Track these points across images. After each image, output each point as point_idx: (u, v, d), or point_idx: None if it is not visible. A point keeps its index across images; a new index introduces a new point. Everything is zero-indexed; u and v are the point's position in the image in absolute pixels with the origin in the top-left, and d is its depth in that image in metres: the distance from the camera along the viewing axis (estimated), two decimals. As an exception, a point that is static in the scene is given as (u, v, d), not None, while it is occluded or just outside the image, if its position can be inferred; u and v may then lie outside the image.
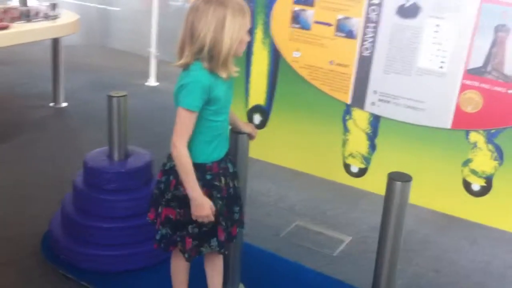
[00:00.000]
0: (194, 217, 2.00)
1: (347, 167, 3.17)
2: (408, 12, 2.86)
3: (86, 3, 10.02)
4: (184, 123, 1.93)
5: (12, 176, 3.73)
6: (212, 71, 1.93)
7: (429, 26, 2.80)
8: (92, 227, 2.68)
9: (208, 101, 1.95)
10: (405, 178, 2.01)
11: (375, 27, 2.95)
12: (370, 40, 2.98)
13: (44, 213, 3.18)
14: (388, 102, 2.98)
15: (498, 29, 2.65)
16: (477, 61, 2.70)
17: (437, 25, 2.79)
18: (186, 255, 2.13)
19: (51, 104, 5.12)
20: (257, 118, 3.20)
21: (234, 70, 1.99)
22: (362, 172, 3.11)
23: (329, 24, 3.06)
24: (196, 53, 1.91)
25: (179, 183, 2.02)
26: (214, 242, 2.12)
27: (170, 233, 2.11)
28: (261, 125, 3.16)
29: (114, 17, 9.79)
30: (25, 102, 5.16)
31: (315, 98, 3.20)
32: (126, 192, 2.72)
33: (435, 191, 2.95)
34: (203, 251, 2.16)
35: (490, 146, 2.77)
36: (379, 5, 2.90)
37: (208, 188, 2.04)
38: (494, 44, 2.66)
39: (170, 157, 2.08)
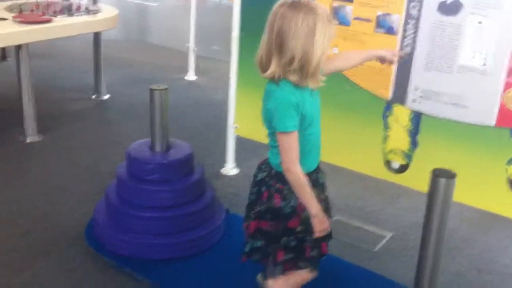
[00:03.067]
0: (317, 233, 1.96)
1: (388, 163, 3.15)
2: (449, 8, 2.82)
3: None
4: (289, 145, 1.87)
5: (54, 166, 3.82)
6: (299, 84, 1.85)
7: (471, 23, 2.77)
8: (134, 216, 2.73)
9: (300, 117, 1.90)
10: (449, 175, 1.99)
11: (416, 24, 2.93)
12: (411, 36, 2.96)
13: (85, 203, 3.26)
14: (430, 99, 2.95)
15: (544, 25, 2.60)
16: (522, 58, 2.66)
17: (479, 22, 2.75)
18: (279, 268, 2.11)
19: (93, 97, 5.21)
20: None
21: (322, 79, 1.91)
22: (403, 169, 3.09)
23: (368, 20, 3.05)
24: (286, 64, 1.82)
25: (271, 195, 1.99)
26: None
27: (265, 244, 2.07)
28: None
29: (151, 12, 9.90)
30: (67, 95, 5.27)
31: (356, 95, 3.19)
32: (167, 183, 2.76)
33: (478, 189, 2.92)
34: (301, 266, 2.10)
35: (535, 145, 2.73)
36: (420, 1, 2.87)
37: (285, 197, 2.01)
38: (539, 41, 2.61)
39: (260, 168, 2.08)
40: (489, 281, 2.88)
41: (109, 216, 2.84)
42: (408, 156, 3.04)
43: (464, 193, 2.95)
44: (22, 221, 3.13)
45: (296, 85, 1.85)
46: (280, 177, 1.98)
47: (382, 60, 2.31)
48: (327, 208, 2.08)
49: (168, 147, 2.87)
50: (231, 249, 2.87)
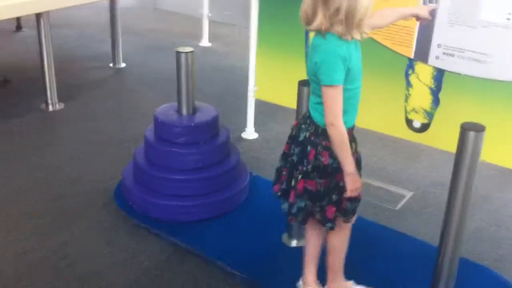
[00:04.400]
0: (349, 192, 1.97)
1: (409, 122, 3.17)
2: (474, -38, 2.80)
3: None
4: (334, 99, 1.87)
5: (79, 133, 3.89)
6: (345, 36, 1.85)
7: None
8: (163, 179, 2.79)
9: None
10: (479, 128, 2.01)
11: (440, -21, 2.91)
12: (434, -8, 2.94)
13: (113, 167, 3.33)
14: (453, 55, 2.95)
15: None
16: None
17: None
18: (329, 224, 2.09)
19: (110, 65, 5.24)
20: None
21: (367, 31, 1.90)
22: (424, 127, 3.11)
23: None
24: (331, 15, 1.82)
25: (318, 153, 1.98)
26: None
27: (311, 204, 2.06)
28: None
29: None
30: (84, 64, 5.30)
31: (377, 53, 3.19)
32: (194, 146, 2.81)
33: (498, 146, 2.93)
34: (351, 218, 2.16)
35: (559, 98, 2.73)
36: (445, -46, 2.85)
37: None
38: None
39: (301, 128, 2.06)
40: (508, 236, 2.92)
41: (137, 179, 2.90)
42: (430, 115, 3.06)
43: (486, 150, 2.98)
44: (53, 186, 3.21)
45: (342, 37, 1.85)
46: (326, 134, 1.97)
47: (417, 17, 2.31)
48: (359, 167, 2.11)
49: (194, 110, 2.91)
50: (256, 210, 2.95)
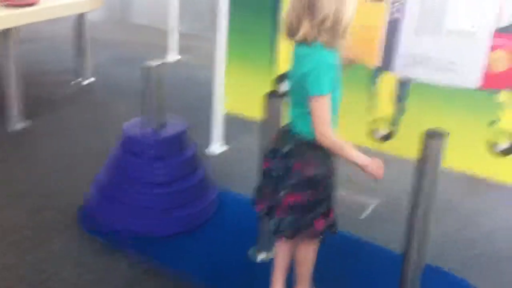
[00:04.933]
0: (379, 176, 2.02)
1: (374, 131, 3.22)
2: (437, -29, 2.87)
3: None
4: (323, 109, 1.88)
5: (48, 149, 3.84)
6: (331, 45, 1.88)
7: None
8: (129, 194, 2.79)
9: None
10: (441, 135, 2.06)
11: (405, -12, 2.97)
12: (399, 2, 3.00)
13: (82, 183, 3.28)
14: (417, 64, 3.01)
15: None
16: (506, 20, 2.72)
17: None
18: (321, 237, 2.13)
19: (79, 79, 5.20)
20: (284, 86, 3.25)
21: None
22: (388, 136, 3.16)
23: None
24: (318, 24, 1.85)
25: (303, 165, 1.98)
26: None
27: (300, 218, 2.04)
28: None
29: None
30: (53, 78, 5.25)
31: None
32: (163, 159, 2.81)
33: (464, 153, 2.99)
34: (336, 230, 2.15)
35: (519, 105, 2.81)
36: (408, -35, 2.91)
37: (330, 166, 2.06)
38: (522, 2, 2.67)
39: (282, 141, 2.04)
40: (474, 243, 2.99)
41: (104, 195, 2.89)
42: (395, 123, 3.11)
43: (450, 157, 3.04)
44: (26, 202, 3.16)
45: (328, 46, 1.88)
46: (310, 145, 1.98)
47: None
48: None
49: (162, 124, 2.90)
50: (224, 224, 2.95)
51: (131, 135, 2.81)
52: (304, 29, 1.86)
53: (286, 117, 2.18)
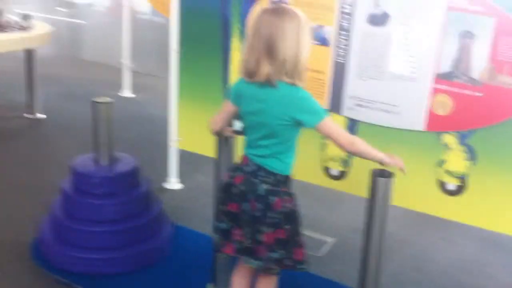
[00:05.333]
0: (403, 168, 2.16)
1: (327, 170, 3.29)
2: (377, 20, 3.01)
3: (56, 17, 9.98)
4: (334, 127, 2.02)
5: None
6: (293, 84, 1.95)
7: (399, 33, 2.96)
8: (81, 231, 2.73)
9: None
10: (387, 174, 2.12)
11: (348, 35, 3.09)
12: (344, 47, 3.12)
13: (28, 219, 3.21)
14: (364, 106, 3.12)
15: (464, 35, 2.82)
16: (446, 66, 2.87)
17: (406, 32, 2.95)
18: (303, 266, 2.15)
19: (26, 115, 5.11)
20: (237, 124, 3.28)
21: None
22: (342, 175, 3.23)
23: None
24: (279, 66, 1.91)
25: (284, 201, 2.05)
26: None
27: (284, 252, 2.08)
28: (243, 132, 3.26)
29: (85, 29, 9.76)
30: (2, 113, 5.14)
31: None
32: (115, 196, 2.77)
33: (412, 192, 3.08)
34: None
35: (463, 147, 2.93)
36: (350, 14, 3.04)
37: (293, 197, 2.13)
38: (461, 49, 2.83)
39: (257, 181, 2.05)
40: (425, 279, 3.05)
41: (55, 231, 2.82)
42: (346, 163, 3.18)
43: (399, 196, 3.12)
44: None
45: (291, 84, 1.95)
46: (286, 180, 2.09)
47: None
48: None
49: (113, 161, 2.88)
50: (179, 261, 2.93)
51: (80, 171, 2.77)
52: (265, 70, 1.92)
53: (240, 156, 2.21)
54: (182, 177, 3.92)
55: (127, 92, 6.05)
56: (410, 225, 3.59)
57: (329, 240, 3.33)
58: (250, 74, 1.97)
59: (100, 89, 6.05)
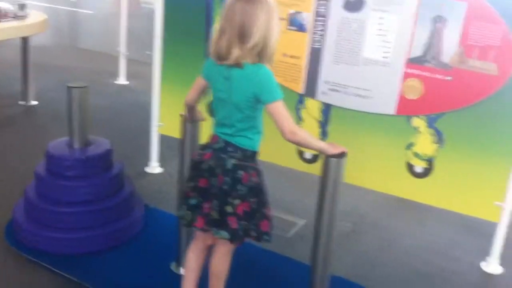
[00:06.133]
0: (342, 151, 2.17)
1: (301, 154, 3.33)
2: (353, 6, 3.04)
3: (57, 6, 10.10)
4: (284, 111, 2.06)
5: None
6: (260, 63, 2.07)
7: (373, 18, 2.99)
8: (54, 212, 2.80)
9: None
10: (339, 155, 2.16)
11: (324, 21, 3.12)
12: (320, 33, 3.15)
13: (8, 203, 3.28)
14: (338, 91, 3.15)
15: (436, 20, 2.84)
16: (418, 51, 2.89)
17: (381, 18, 2.97)
18: (266, 237, 2.22)
19: (21, 103, 5.20)
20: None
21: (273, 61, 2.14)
22: (315, 159, 3.28)
23: (281, 19, 3.23)
24: (249, 49, 2.02)
25: (250, 175, 2.14)
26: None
27: (246, 224, 2.17)
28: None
29: (84, 18, 9.87)
30: (-4, 101, 5.25)
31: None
32: (86, 178, 2.84)
33: (382, 174, 3.13)
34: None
35: (431, 130, 2.96)
36: (327, 0, 3.07)
37: (260, 172, 2.21)
38: (432, 34, 2.85)
39: (222, 157, 2.14)
40: (394, 260, 3.09)
41: (28, 213, 2.89)
42: (319, 147, 3.21)
43: (371, 179, 3.17)
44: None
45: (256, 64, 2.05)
46: (253, 156, 2.18)
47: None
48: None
49: (87, 144, 2.95)
50: (149, 241, 3.00)
51: (54, 154, 2.84)
52: (235, 54, 2.03)
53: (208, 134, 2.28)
54: (163, 161, 3.99)
55: (122, 80, 6.12)
56: (382, 208, 3.63)
57: (300, 222, 3.38)
58: (220, 57, 2.08)
59: (96, 77, 6.13)
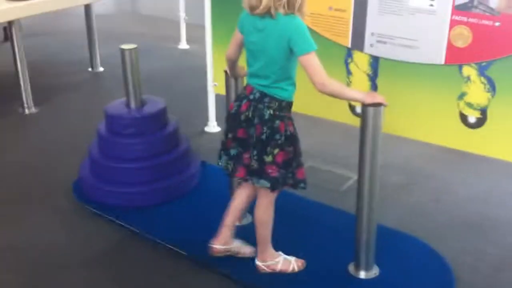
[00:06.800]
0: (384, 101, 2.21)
1: (352, 108, 3.35)
2: (398, -47, 2.98)
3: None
4: (316, 63, 2.11)
5: (50, 133, 4.13)
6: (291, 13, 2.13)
7: (419, -35, 2.92)
8: (113, 168, 3.01)
9: None
10: (377, 104, 2.18)
11: (368, -29, 3.09)
12: (365, -18, 3.12)
13: (77, 162, 3.52)
14: (385, 43, 3.13)
15: (483, -37, 2.75)
16: (465, -4, 2.82)
17: (427, -36, 2.90)
18: (302, 185, 2.34)
19: (89, 69, 5.47)
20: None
21: (307, 13, 2.20)
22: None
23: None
24: (278, 0, 2.07)
25: (286, 125, 2.23)
26: None
27: (284, 172, 2.27)
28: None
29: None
30: (63, 69, 5.54)
31: (318, 44, 3.34)
32: (142, 136, 3.01)
33: (435, 126, 3.10)
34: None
35: (483, 79, 2.90)
36: None
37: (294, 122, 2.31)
38: (478, -22, 2.76)
39: (259, 108, 2.22)
40: (446, 211, 3.09)
41: (92, 170, 3.11)
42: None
43: (423, 131, 3.15)
44: (21, 178, 3.47)
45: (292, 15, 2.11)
46: (289, 106, 2.26)
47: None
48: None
49: (142, 104, 3.10)
50: (205, 196, 3.14)
51: (111, 114, 3.02)
52: (266, 3, 2.08)
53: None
54: (221, 121, 4.10)
55: (183, 44, 6.27)
56: (436, 160, 3.60)
57: (353, 176, 3.41)
58: (252, 7, 2.14)
59: (158, 42, 6.31)
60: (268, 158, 2.23)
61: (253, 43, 2.21)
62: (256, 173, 2.28)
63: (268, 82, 2.22)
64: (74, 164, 3.52)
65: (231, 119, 2.35)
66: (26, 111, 4.48)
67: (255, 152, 2.25)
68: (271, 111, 2.21)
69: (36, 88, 4.57)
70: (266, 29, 2.13)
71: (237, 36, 2.35)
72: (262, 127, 2.21)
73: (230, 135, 2.34)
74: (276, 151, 2.22)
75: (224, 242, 2.53)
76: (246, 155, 2.30)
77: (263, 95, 2.23)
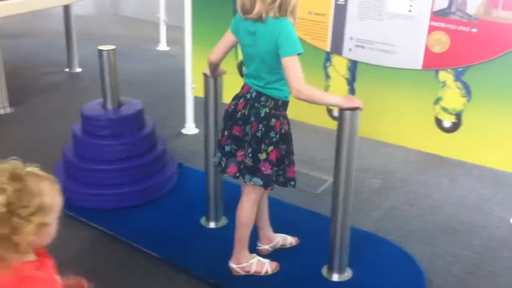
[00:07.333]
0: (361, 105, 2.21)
1: (330, 112, 3.36)
2: (378, -41, 3.00)
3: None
4: (298, 67, 2.11)
5: (24, 133, 4.07)
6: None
7: (398, -29, 2.95)
8: (89, 170, 2.96)
9: None
10: (353, 108, 2.19)
11: (348, -25, 3.10)
12: (345, -12, 3.13)
13: (52, 163, 3.46)
14: (363, 47, 3.15)
15: (460, -30, 2.78)
16: (442, 3, 2.85)
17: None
18: (293, 183, 2.37)
19: (66, 70, 5.41)
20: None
21: (297, 17, 2.21)
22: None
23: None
24: (268, 4, 2.10)
25: (282, 123, 2.25)
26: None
27: (276, 169, 2.30)
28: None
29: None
30: (40, 69, 5.47)
31: (297, 48, 3.38)
32: (118, 137, 2.98)
33: (411, 130, 3.12)
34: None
35: (459, 84, 2.93)
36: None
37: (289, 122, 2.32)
38: (457, -16, 2.79)
39: (255, 106, 2.24)
40: (420, 214, 3.11)
41: (67, 171, 3.06)
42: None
43: (400, 135, 3.18)
44: None
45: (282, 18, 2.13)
46: (285, 105, 2.28)
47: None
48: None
49: (119, 105, 3.07)
50: (180, 197, 3.13)
51: (88, 115, 2.98)
52: (258, 8, 2.11)
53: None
54: (199, 123, 4.09)
55: (163, 46, 6.24)
56: (412, 164, 3.63)
57: (329, 179, 3.42)
58: (245, 11, 2.17)
59: (137, 44, 6.27)
60: (262, 156, 2.25)
61: (247, 46, 2.25)
62: (249, 171, 2.29)
63: (263, 83, 2.25)
64: (49, 165, 3.47)
65: (227, 118, 2.37)
66: (2, 111, 4.41)
67: (249, 150, 2.27)
68: (267, 110, 2.24)
69: (12, 89, 4.51)
70: (257, 33, 2.17)
71: (228, 38, 2.35)
72: (258, 125, 2.24)
73: (226, 133, 2.36)
74: (270, 148, 2.25)
75: (267, 241, 2.62)
76: (240, 152, 2.32)
77: (259, 94, 2.26)
